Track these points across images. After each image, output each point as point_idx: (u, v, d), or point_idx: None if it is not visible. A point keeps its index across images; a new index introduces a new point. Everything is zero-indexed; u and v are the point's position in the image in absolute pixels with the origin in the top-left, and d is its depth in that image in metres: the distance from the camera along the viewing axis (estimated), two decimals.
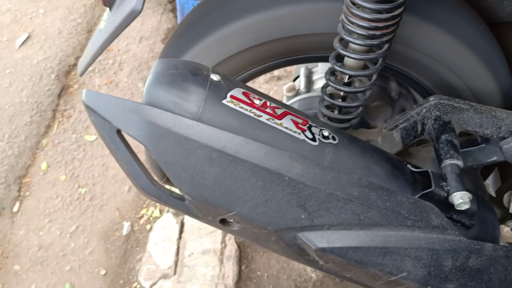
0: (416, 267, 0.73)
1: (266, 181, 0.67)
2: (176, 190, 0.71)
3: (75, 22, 2.57)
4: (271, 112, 0.72)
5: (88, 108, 0.64)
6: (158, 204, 1.82)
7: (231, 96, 0.70)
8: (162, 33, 2.49)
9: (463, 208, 0.76)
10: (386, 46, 0.82)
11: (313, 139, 0.73)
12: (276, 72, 2.16)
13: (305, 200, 0.68)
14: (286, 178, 0.67)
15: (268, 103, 0.74)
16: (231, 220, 0.72)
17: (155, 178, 0.73)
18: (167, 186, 0.80)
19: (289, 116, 0.74)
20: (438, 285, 0.74)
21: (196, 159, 0.65)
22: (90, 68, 2.34)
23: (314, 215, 0.69)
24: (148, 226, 1.75)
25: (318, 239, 0.70)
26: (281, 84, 2.15)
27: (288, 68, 2.12)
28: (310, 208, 0.68)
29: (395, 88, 1.25)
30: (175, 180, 0.66)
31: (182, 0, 2.25)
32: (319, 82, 1.31)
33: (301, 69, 1.34)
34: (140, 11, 0.85)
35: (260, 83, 2.17)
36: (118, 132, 0.65)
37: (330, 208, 0.69)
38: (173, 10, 2.63)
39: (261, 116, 0.71)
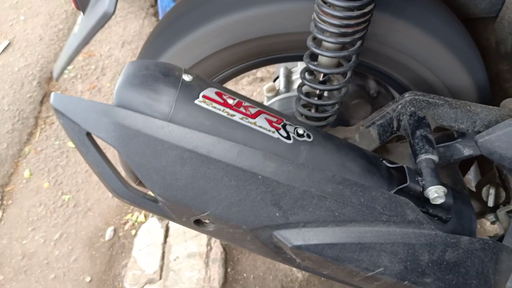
0: (392, 262, 0.73)
1: (240, 180, 0.66)
2: (150, 192, 0.70)
3: (56, 28, 2.54)
4: (244, 111, 0.72)
5: (57, 111, 0.63)
6: None
7: (204, 96, 0.70)
8: (144, 38, 2.48)
9: (438, 202, 0.77)
10: (358, 43, 0.82)
11: (288, 137, 0.73)
12: (259, 74, 2.16)
13: (279, 198, 0.68)
14: (260, 176, 0.67)
15: (242, 103, 0.74)
16: (205, 220, 0.71)
17: (129, 181, 0.72)
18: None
19: (263, 115, 0.74)
20: (415, 279, 0.74)
21: (167, 160, 0.64)
22: (72, 74, 2.33)
23: (288, 213, 0.69)
24: (133, 232, 1.73)
25: (293, 237, 0.69)
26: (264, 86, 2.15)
27: (271, 69, 2.13)
28: (284, 206, 0.68)
29: (373, 86, 1.26)
30: (147, 182, 0.65)
31: (164, 4, 2.24)
32: (299, 82, 1.31)
33: (281, 69, 1.35)
34: (113, 14, 0.85)
35: (243, 85, 2.17)
36: (88, 134, 0.64)
37: (304, 206, 0.69)
38: (155, 14, 2.62)
39: (235, 115, 0.71)
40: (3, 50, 2.42)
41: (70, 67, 2.34)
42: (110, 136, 0.63)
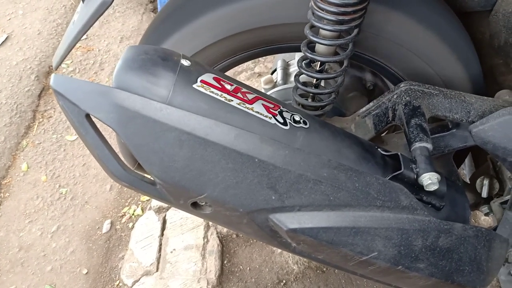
0: (386, 246, 0.74)
1: (236, 163, 0.67)
2: (148, 176, 0.71)
3: (55, 23, 2.55)
4: (242, 97, 0.73)
5: (56, 92, 0.63)
6: (140, 202, 1.81)
7: (202, 81, 0.71)
8: (143, 33, 2.49)
9: (432, 189, 0.78)
10: (355, 31, 0.83)
11: (284, 124, 0.74)
12: (257, 69, 2.17)
13: (276, 181, 0.69)
14: (256, 159, 0.68)
15: (240, 88, 0.75)
16: (202, 203, 0.72)
17: (127, 165, 0.73)
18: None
19: (260, 101, 0.75)
20: (409, 264, 0.75)
21: (165, 141, 0.65)
22: (71, 69, 2.33)
23: (284, 196, 0.69)
24: (130, 224, 1.74)
25: (289, 220, 0.70)
26: None
27: (269, 65, 2.14)
28: (280, 190, 0.69)
29: (370, 79, 1.27)
30: (145, 163, 0.66)
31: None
32: None
33: (278, 61, 1.36)
34: (111, 1, 0.85)
35: (241, 80, 2.18)
36: (87, 116, 0.65)
37: (300, 189, 0.69)
38: (154, 10, 2.63)
39: (232, 100, 0.71)
40: (1, 44, 2.42)
41: (68, 62, 2.34)
42: (109, 117, 0.63)
